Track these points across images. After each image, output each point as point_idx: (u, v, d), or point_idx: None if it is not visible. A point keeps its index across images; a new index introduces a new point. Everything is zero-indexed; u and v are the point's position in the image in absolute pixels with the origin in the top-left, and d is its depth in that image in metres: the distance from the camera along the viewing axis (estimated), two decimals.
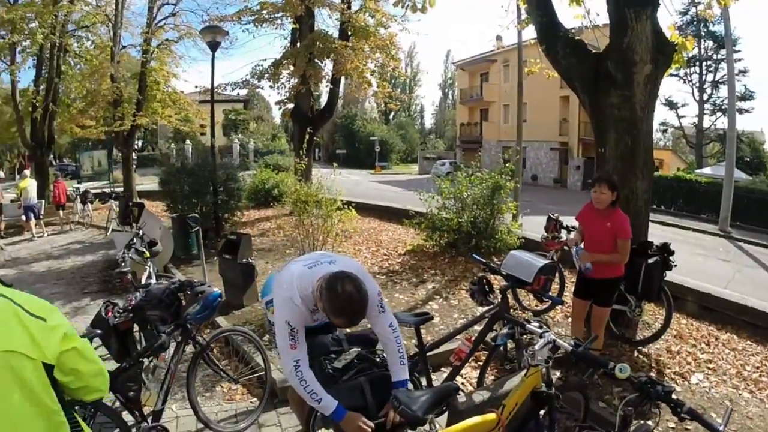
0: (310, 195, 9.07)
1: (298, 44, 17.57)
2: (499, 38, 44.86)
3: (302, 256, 3.75)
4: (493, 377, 5.23)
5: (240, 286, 7.81)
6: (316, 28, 17.78)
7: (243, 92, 27.73)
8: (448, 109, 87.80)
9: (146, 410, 4.07)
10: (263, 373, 5.13)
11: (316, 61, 17.07)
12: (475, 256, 5.71)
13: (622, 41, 5.91)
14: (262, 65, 18.10)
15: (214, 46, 12.65)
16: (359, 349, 3.45)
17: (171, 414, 4.70)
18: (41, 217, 17.44)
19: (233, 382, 5.27)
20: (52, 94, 23.39)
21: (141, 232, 7.52)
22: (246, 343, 5.74)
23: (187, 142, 49.62)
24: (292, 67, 17.10)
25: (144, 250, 6.94)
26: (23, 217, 16.85)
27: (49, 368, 1.70)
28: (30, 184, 17.18)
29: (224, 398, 5.30)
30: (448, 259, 9.79)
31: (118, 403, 4.06)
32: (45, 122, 23.90)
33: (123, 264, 6.57)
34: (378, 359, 3.43)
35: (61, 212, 18.57)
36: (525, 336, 4.50)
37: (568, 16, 7.59)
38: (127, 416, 4.00)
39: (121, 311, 4.58)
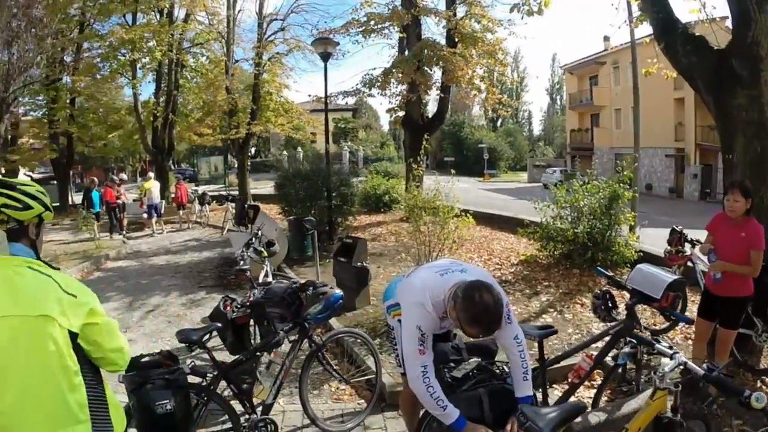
0: (428, 202, 8.95)
1: (406, 53, 17.63)
2: (606, 39, 41.64)
3: (431, 262, 3.73)
4: (605, 398, 4.95)
5: (353, 288, 7.80)
6: (423, 36, 17.80)
7: (351, 101, 28.13)
8: (557, 114, 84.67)
9: (256, 402, 4.16)
10: (373, 376, 5.11)
11: (425, 68, 17.04)
12: (599, 269, 5.37)
13: (746, 35, 5.28)
14: (371, 74, 18.26)
15: (326, 57, 12.81)
16: (479, 359, 3.37)
17: (278, 408, 4.75)
18: (162, 215, 18.75)
19: (343, 383, 5.25)
20: (172, 105, 25.17)
21: (260, 232, 7.71)
22: (358, 345, 5.74)
23: (299, 149, 50.97)
24: (400, 75, 17.15)
25: (262, 249, 7.10)
26: (145, 215, 18.27)
27: (73, 336, 2.05)
28: (154, 185, 18.40)
29: (331, 397, 5.32)
30: (562, 271, 9.32)
31: (228, 393, 4.16)
32: (165, 130, 25.86)
33: (242, 262, 6.74)
34: (497, 371, 3.33)
35: (181, 212, 19.75)
36: (647, 357, 4.18)
37: (682, 11, 7.04)
38: (237, 407, 4.08)
39: (239, 306, 4.68)
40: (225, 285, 10.27)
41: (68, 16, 24.15)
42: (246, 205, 13.94)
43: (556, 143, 77.38)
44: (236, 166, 28.37)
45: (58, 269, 2.23)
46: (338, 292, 4.49)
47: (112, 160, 45.09)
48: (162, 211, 18.77)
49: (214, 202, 22.51)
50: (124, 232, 17.42)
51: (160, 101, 25.76)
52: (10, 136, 28.07)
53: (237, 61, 25.51)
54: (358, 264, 7.80)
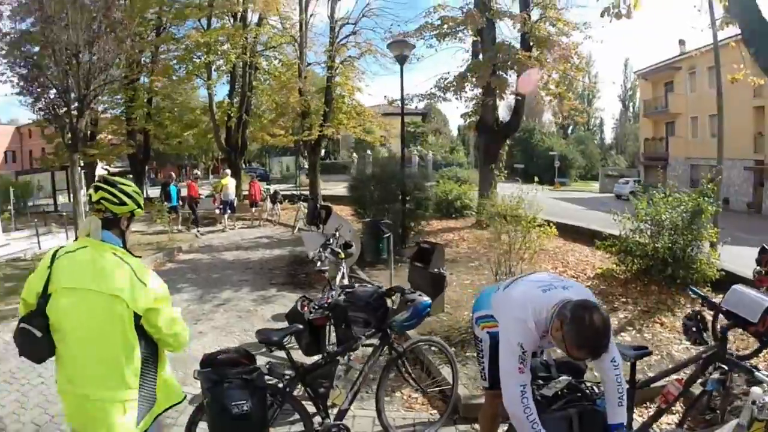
0: (510, 209, 8.58)
1: (480, 57, 17.29)
2: (682, 42, 41.11)
3: (529, 276, 3.46)
4: (686, 426, 4.58)
5: (429, 295, 7.60)
6: (497, 40, 17.43)
7: (421, 105, 28.05)
8: (629, 122, 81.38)
9: (330, 407, 4.06)
10: (448, 387, 4.90)
11: (500, 72, 16.68)
12: (693, 288, 5.01)
13: None
14: (446, 78, 17.99)
15: (402, 60, 12.63)
16: (570, 378, 3.19)
17: (349, 412, 4.61)
18: (235, 212, 19.13)
19: (420, 392, 5.04)
20: (245, 106, 25.80)
21: (338, 233, 7.61)
22: (433, 353, 5.60)
23: (368, 152, 51.17)
24: (475, 79, 16.83)
25: (339, 250, 7.02)
26: (217, 211, 18.67)
27: (137, 316, 2.51)
28: (230, 182, 18.76)
29: (403, 405, 5.12)
30: (640, 287, 8.81)
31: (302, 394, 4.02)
32: (239, 130, 26.37)
33: (320, 263, 6.69)
34: (587, 391, 3.16)
35: (253, 209, 19.97)
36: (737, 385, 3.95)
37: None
38: (310, 409, 3.94)
39: (316, 307, 4.55)
40: (296, 283, 10.20)
41: (145, 20, 25.16)
42: (318, 206, 13.97)
43: (628, 152, 74.76)
44: (307, 166, 28.78)
45: (139, 257, 2.71)
46: (426, 299, 4.27)
47: (186, 157, 46.39)
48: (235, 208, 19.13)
49: (286, 201, 22.84)
50: (199, 227, 17.77)
51: (234, 102, 26.33)
52: (89, 132, 29.10)
53: (309, 64, 25.74)
54: (435, 270, 7.54)
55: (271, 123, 27.75)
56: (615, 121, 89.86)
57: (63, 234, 16.93)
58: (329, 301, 4.76)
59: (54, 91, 13.24)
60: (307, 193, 21.53)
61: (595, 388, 3.14)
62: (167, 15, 26.74)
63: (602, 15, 7.70)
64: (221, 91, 29.19)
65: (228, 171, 20.17)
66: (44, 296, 2.50)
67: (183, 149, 35.71)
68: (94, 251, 2.55)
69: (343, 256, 7.02)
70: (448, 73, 17.67)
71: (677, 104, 41.85)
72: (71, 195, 14.26)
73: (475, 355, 3.79)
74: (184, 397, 2.97)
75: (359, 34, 25.35)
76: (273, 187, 26.56)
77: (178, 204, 18.35)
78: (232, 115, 26.12)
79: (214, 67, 26.00)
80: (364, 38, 25.58)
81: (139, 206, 2.75)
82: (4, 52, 14.27)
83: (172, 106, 30.65)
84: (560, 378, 3.18)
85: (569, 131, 76.18)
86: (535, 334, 2.83)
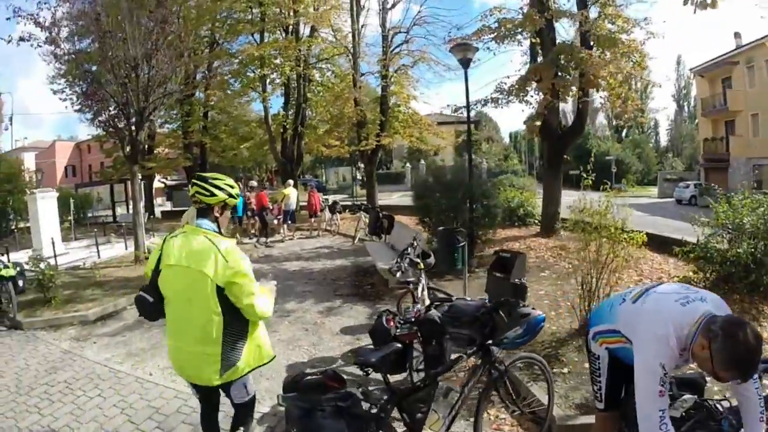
0: (598, 214, 7.89)
1: (539, 59, 16.69)
2: (737, 35, 39.10)
3: (661, 287, 3.11)
4: None
5: None
6: (557, 41, 16.81)
7: (484, 110, 27.82)
8: (685, 122, 77.77)
9: None
10: (540, 407, 4.54)
11: (563, 74, 16.03)
12: None
13: None
14: (505, 82, 17.44)
15: (465, 63, 12.11)
16: (695, 396, 3.00)
17: None
18: (295, 222, 18.97)
19: (519, 414, 4.55)
20: (300, 117, 25.83)
21: (415, 242, 7.20)
22: (520, 370, 5.27)
23: (422, 161, 50.97)
24: (535, 83, 16.23)
25: (418, 261, 6.62)
26: (275, 221, 18.43)
27: (219, 288, 3.08)
28: (292, 192, 18.62)
29: (490, 426, 4.68)
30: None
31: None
32: (294, 142, 26.40)
33: (399, 273, 6.37)
34: (713, 410, 2.98)
35: (312, 219, 19.71)
36: None
37: None
38: None
39: (402, 322, 4.16)
40: (361, 295, 9.85)
41: (199, 37, 25.71)
42: (381, 215, 13.66)
43: (685, 154, 71.14)
44: (361, 176, 28.73)
45: (232, 239, 3.38)
46: (541, 314, 3.87)
47: (240, 169, 46.96)
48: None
49: (346, 211, 22.69)
50: (257, 238, 17.61)
51: (290, 114, 26.42)
52: (147, 146, 29.94)
53: (363, 74, 25.92)
54: (516, 280, 6.95)
55: (327, 134, 27.88)
56: (670, 123, 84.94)
57: (122, 244, 17.32)
58: (418, 315, 4.33)
59: (114, 105, 13.35)
60: (365, 202, 21.13)
61: (718, 406, 2.97)
62: (220, 31, 27.24)
63: (684, 3, 7.13)
64: (276, 104, 29.67)
65: (290, 181, 19.98)
66: (156, 271, 3.25)
67: (238, 161, 35.72)
68: (189, 235, 3.25)
69: (422, 266, 6.61)
70: (508, 77, 17.11)
71: (736, 101, 39.36)
72: (131, 205, 14.29)
73: (589, 373, 3.44)
74: (273, 357, 3.56)
75: (412, 42, 25.64)
76: (331, 197, 26.60)
77: (244, 215, 18.10)
78: (287, 126, 26.24)
79: (268, 81, 26.24)
80: (417, 46, 25.85)
81: (231, 196, 3.36)
82: (62, 71, 14.53)
83: (227, 120, 30.89)
84: (685, 397, 2.99)
85: (623, 135, 73.26)
86: (676, 353, 2.59)
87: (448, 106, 17.51)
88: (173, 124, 31.64)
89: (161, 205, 46.21)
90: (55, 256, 13.42)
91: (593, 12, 16.05)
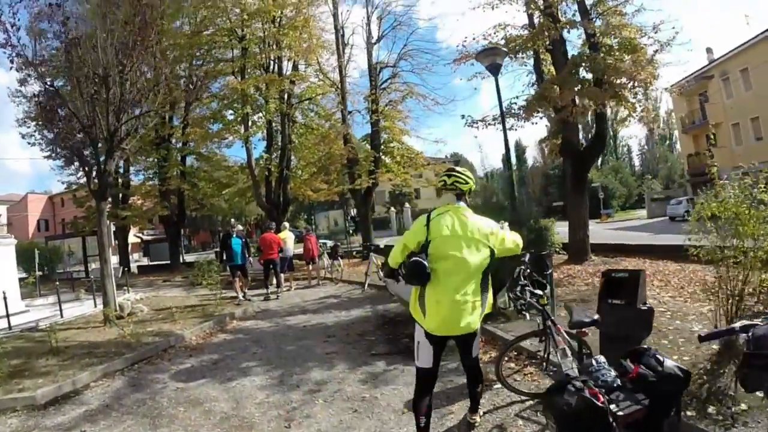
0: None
1: (545, 75, 15.14)
2: (709, 50, 40.44)
3: None
4: None
5: (630, 338, 4.87)
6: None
7: (491, 130, 26.82)
8: (656, 145, 78.06)
9: None
10: None
11: (580, 86, 14.23)
12: None
13: None
14: (515, 102, 15.59)
15: (495, 70, 10.68)
16: None
17: None
18: (293, 270, 16.75)
19: None
20: (286, 160, 24.02)
21: (525, 266, 5.22)
22: None
23: (406, 205, 49.37)
24: (547, 101, 14.38)
25: (540, 293, 4.88)
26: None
27: (492, 251, 4.02)
28: (288, 236, 16.35)
29: None
30: None
31: None
32: (280, 186, 24.36)
33: (526, 314, 5.03)
34: None
35: (310, 266, 17.33)
36: None
37: None
38: None
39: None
40: (405, 352, 7.49)
41: (176, 77, 24.18)
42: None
43: (661, 175, 70.49)
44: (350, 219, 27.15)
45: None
46: None
47: (218, 222, 44.80)
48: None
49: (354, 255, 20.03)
50: (279, 288, 15.22)
51: (273, 157, 24.24)
52: (121, 195, 29.38)
53: (350, 112, 24.79)
54: (642, 305, 5.13)
55: (313, 177, 25.99)
56: (640, 146, 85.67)
57: (91, 301, 14.85)
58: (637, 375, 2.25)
59: (78, 126, 11.00)
60: (374, 243, 18.47)
61: None
62: (198, 72, 25.78)
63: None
64: (258, 148, 27.86)
65: (286, 224, 17.60)
66: (426, 242, 3.96)
67: (218, 211, 34.01)
68: (455, 213, 4.09)
69: (545, 301, 4.84)
70: (517, 97, 15.47)
71: (715, 114, 40.22)
72: (99, 249, 11.91)
73: None
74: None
75: (399, 76, 25.13)
76: (330, 241, 24.69)
77: (246, 262, 14.68)
78: (272, 170, 24.00)
79: (250, 122, 24.21)
80: (403, 80, 25.29)
81: (474, 183, 4.27)
82: (32, 113, 12.19)
83: (206, 166, 29.83)
84: None
85: (599, 163, 71.83)
86: None
87: (463, 117, 15.36)
88: (149, 172, 30.54)
89: (138, 260, 44.07)
90: (7, 315, 11.32)
91: (598, 22, 14.66)
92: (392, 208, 52.13)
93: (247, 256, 14.49)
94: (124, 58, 10.54)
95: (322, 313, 11.55)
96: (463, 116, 14.99)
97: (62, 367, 7.71)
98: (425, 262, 3.81)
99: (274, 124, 24.70)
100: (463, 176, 4.16)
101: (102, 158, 11.20)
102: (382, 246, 15.54)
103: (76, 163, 11.69)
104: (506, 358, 5.86)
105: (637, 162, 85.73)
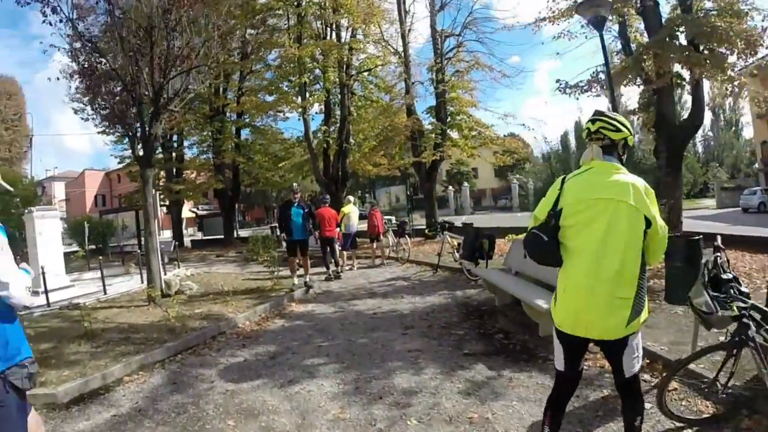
0: None
1: (632, 45, 13.60)
2: None
3: None
4: None
5: None
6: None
7: (584, 97, 25.09)
8: (721, 131, 72.73)
9: None
10: None
11: (687, 53, 12.33)
12: None
13: None
14: (602, 70, 13.83)
15: (599, 24, 9.36)
16: None
17: None
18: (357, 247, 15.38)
19: None
20: (345, 133, 22.60)
21: (719, 255, 3.95)
22: None
23: (465, 184, 47.82)
24: (644, 66, 12.60)
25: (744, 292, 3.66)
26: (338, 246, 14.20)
27: (647, 221, 2.89)
28: (353, 211, 14.95)
29: None
30: None
31: None
32: (339, 160, 23.04)
33: (719, 318, 3.66)
34: None
35: (374, 244, 15.78)
36: None
37: None
38: None
39: None
40: (502, 351, 6.11)
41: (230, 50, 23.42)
42: (480, 236, 10.11)
43: (726, 163, 66.09)
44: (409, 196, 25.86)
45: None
46: None
47: (273, 198, 44.11)
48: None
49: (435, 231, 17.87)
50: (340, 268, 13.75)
51: (332, 130, 22.99)
52: (175, 169, 29.08)
53: (414, 83, 23.21)
54: None
55: (374, 151, 24.48)
56: (704, 132, 77.76)
57: (139, 275, 13.93)
58: None
59: (121, 86, 9.77)
60: (447, 220, 16.13)
61: None
62: (255, 40, 24.79)
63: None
64: (315, 122, 26.69)
65: (350, 198, 16.11)
66: (554, 210, 3.05)
67: (275, 184, 33.19)
68: (599, 170, 3.04)
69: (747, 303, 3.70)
70: (597, 66, 13.62)
71: None
72: (144, 221, 10.86)
73: None
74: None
75: (464, 46, 23.60)
76: (393, 217, 23.27)
77: (309, 233, 11.90)
78: (331, 143, 22.73)
79: (307, 95, 22.75)
80: (469, 50, 23.76)
81: (631, 134, 3.14)
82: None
83: (262, 139, 29.21)
84: None
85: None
86: None
87: (558, 81, 13.72)
88: (203, 145, 29.97)
89: (192, 235, 43.85)
90: (45, 291, 10.31)
91: None
92: (450, 187, 50.57)
93: (309, 228, 11.77)
94: (171, 7, 9.24)
95: (393, 298, 10.04)
96: (557, 80, 13.45)
97: (94, 356, 6.49)
98: (543, 236, 3.04)
99: (332, 96, 23.39)
100: (613, 122, 3.10)
101: (147, 121, 9.98)
102: (460, 224, 13.54)
103: (120, 129, 10.33)
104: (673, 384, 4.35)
105: (700, 148, 79.66)
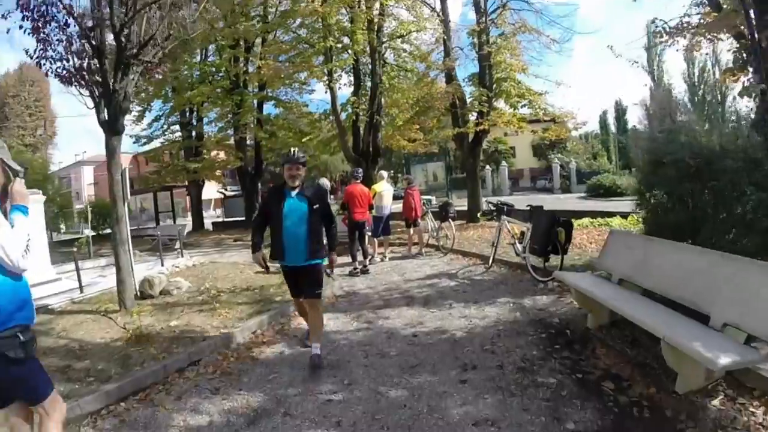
0: None
1: None
2: None
3: None
4: None
5: None
6: None
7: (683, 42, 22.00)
8: None
9: None
10: None
11: None
12: None
13: None
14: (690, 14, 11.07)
15: None
16: None
17: None
18: (390, 233, 12.84)
19: None
20: (377, 104, 20.25)
21: None
22: None
23: (503, 163, 45.26)
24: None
25: None
26: (368, 232, 11.76)
27: None
28: (386, 190, 12.20)
29: None
30: None
31: None
32: (369, 134, 20.70)
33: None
34: None
35: (411, 230, 12.87)
36: None
37: None
38: None
39: None
40: (623, 418, 3.66)
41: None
42: (557, 222, 7.65)
43: None
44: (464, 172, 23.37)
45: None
46: None
47: None
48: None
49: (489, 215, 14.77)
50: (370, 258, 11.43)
51: (361, 101, 20.58)
52: (194, 148, 27.53)
53: (454, 47, 20.54)
54: None
55: (408, 124, 22.25)
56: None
57: (144, 263, 12.95)
58: None
59: (74, 22, 7.34)
60: (505, 202, 12.30)
61: None
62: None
63: None
64: (342, 96, 24.51)
65: (383, 173, 13.04)
66: None
67: None
68: None
69: None
70: (671, 20, 11.03)
71: None
72: (111, 206, 8.64)
73: None
74: None
75: (508, 8, 20.62)
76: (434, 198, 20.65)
77: (323, 255, 8.87)
78: (360, 115, 20.37)
79: (336, 61, 20.71)
80: (516, 12, 20.74)
81: None
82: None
83: (285, 113, 27.55)
84: None
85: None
86: None
87: (654, 21, 11.08)
88: (222, 121, 28.03)
89: (219, 216, 42.23)
90: None
91: None
92: (487, 166, 47.83)
93: (327, 238, 8.85)
94: None
95: (439, 308, 7.30)
96: (654, 20, 10.98)
97: None
98: None
99: (361, 67, 21.22)
100: None
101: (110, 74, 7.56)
102: (526, 206, 9.93)
103: (79, 88, 7.77)
104: None
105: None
